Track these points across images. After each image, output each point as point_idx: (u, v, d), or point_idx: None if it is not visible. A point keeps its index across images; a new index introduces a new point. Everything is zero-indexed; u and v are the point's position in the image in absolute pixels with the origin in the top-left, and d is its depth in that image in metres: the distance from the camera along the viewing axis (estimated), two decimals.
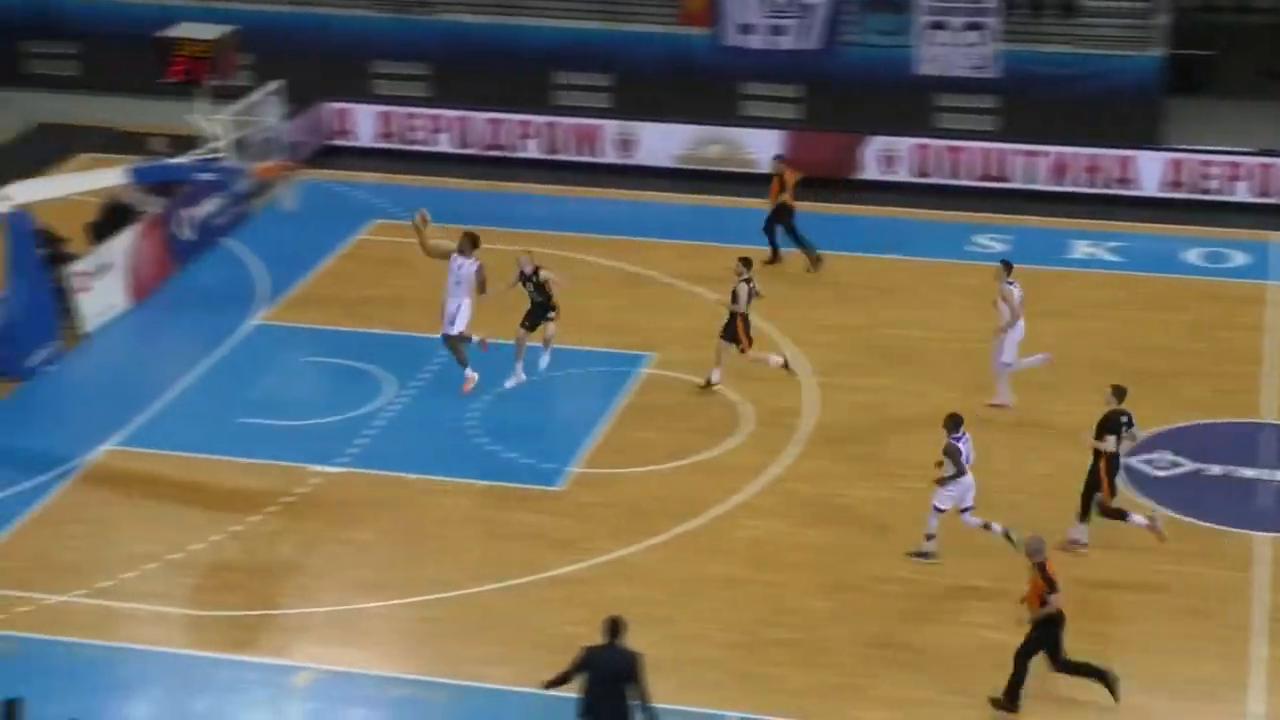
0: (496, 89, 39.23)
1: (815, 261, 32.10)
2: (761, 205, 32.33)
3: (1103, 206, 35.44)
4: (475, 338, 27.19)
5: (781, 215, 32.07)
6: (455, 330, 26.96)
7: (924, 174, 36.62)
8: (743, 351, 27.42)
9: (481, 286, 26.98)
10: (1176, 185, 35.71)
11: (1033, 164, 36.28)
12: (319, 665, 21.33)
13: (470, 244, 27.02)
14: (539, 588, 22.84)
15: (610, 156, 37.65)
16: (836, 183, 36.07)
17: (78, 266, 30.00)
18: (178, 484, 25.37)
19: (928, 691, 20.79)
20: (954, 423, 22.78)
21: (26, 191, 29.25)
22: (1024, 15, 38.70)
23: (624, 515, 24.45)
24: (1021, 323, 26.73)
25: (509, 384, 27.31)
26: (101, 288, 30.33)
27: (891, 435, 26.48)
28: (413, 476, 25.46)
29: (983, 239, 33.81)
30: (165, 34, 35.26)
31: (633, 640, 18.19)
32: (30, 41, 42.01)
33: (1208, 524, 24.27)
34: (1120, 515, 23.19)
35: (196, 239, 33.08)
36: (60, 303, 29.49)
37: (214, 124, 35.17)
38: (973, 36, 38.10)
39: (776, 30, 38.98)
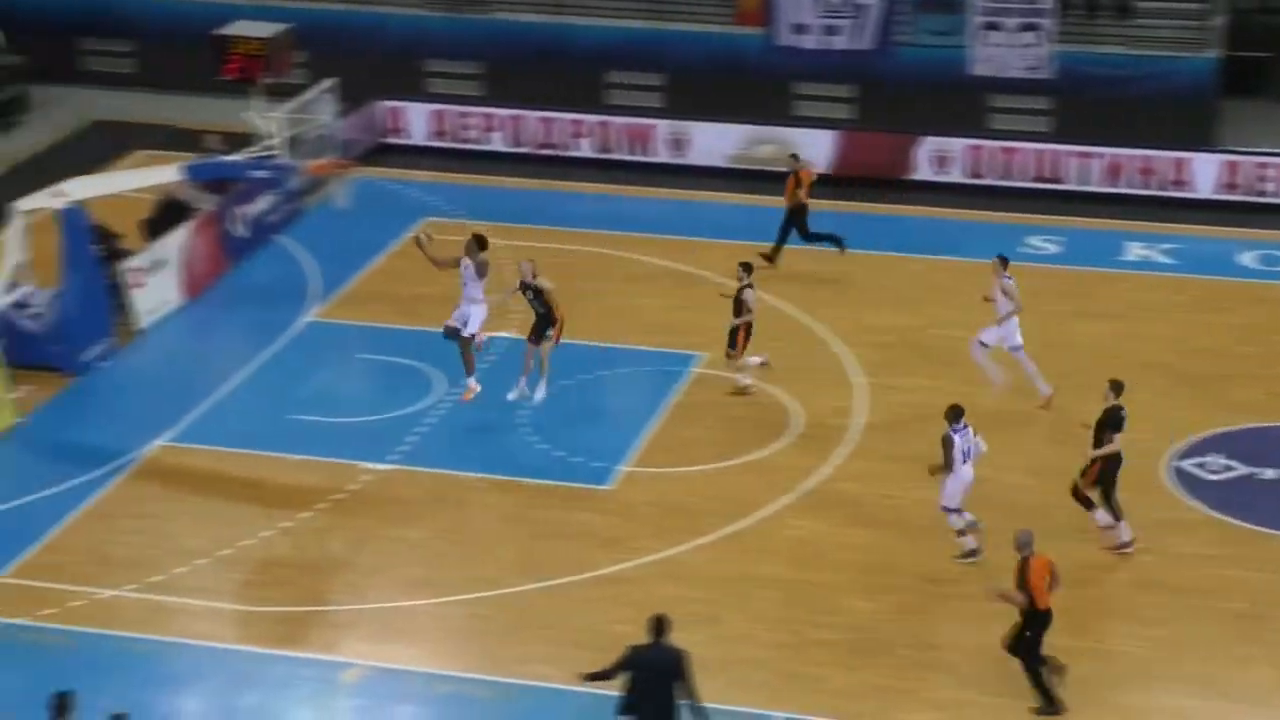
0: (549, 88, 39.23)
1: (839, 245, 32.09)
2: (810, 205, 32.21)
3: (1157, 208, 35.22)
4: (483, 336, 26.55)
5: (797, 214, 32.01)
6: (469, 332, 26.21)
7: (977, 175, 36.49)
8: (729, 358, 27.39)
9: (481, 272, 25.98)
10: (1231, 187, 35.49)
11: (1086, 165, 36.11)
12: (367, 662, 21.43)
13: (478, 245, 26.14)
14: (586, 587, 22.88)
15: (662, 156, 37.64)
16: (889, 183, 36.06)
17: (132, 263, 30.19)
18: (229, 480, 25.53)
19: (973, 693, 20.75)
20: (954, 414, 22.71)
21: (82, 188, 29.43)
22: (1079, 16, 38.49)
23: (672, 514, 24.47)
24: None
25: (511, 396, 26.80)
26: (155, 284, 30.51)
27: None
28: (462, 474, 25.54)
29: (1036, 240, 33.66)
30: (221, 32, 35.63)
31: (679, 639, 18.22)
32: (87, 39, 42.28)
33: (1261, 528, 24.13)
34: (1088, 505, 23.22)
35: (250, 236, 33.24)
36: (114, 299, 29.68)
37: (268, 122, 35.43)
38: (1028, 37, 37.90)
39: (830, 30, 38.87)
